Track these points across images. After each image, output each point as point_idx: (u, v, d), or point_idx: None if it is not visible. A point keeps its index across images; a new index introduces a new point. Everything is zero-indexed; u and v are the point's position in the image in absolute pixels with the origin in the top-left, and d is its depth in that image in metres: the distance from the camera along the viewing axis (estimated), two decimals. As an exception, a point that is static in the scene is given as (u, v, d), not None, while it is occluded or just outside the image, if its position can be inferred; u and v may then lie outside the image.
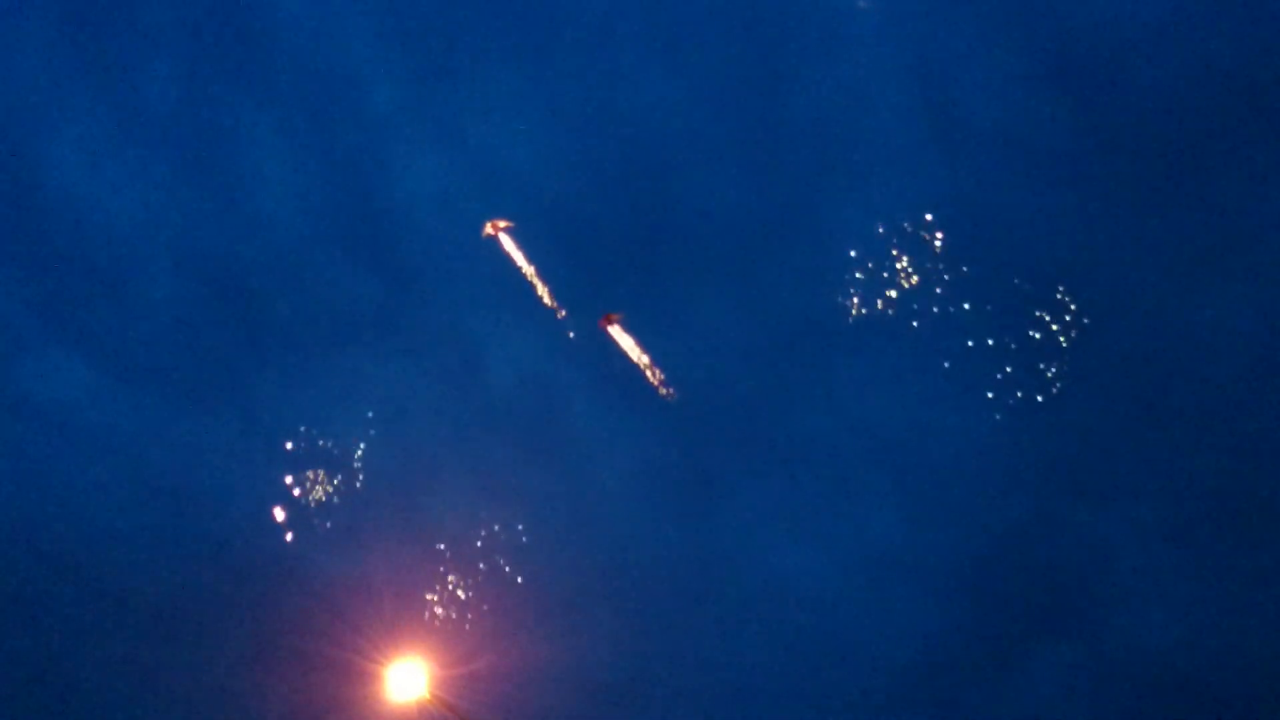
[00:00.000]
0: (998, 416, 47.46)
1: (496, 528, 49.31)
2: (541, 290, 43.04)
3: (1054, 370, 46.90)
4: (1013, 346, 47.30)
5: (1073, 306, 46.39)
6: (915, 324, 47.86)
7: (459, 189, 46.08)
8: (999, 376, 47.42)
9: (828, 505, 49.85)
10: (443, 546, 49.06)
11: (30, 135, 45.14)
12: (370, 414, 49.30)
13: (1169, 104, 43.07)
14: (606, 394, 49.13)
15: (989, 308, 47.19)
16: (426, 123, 45.75)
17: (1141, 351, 46.17)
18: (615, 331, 44.19)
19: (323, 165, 46.67)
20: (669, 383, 48.77)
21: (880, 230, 47.23)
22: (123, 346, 47.48)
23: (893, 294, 47.83)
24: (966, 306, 47.25)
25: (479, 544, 49.25)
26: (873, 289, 47.85)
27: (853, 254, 47.41)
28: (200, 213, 46.94)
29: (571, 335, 46.63)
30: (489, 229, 42.59)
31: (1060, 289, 46.28)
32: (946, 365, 47.66)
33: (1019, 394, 47.28)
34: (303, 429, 48.94)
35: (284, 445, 48.81)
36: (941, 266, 47.31)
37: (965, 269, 47.10)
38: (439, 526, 49.11)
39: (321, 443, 49.21)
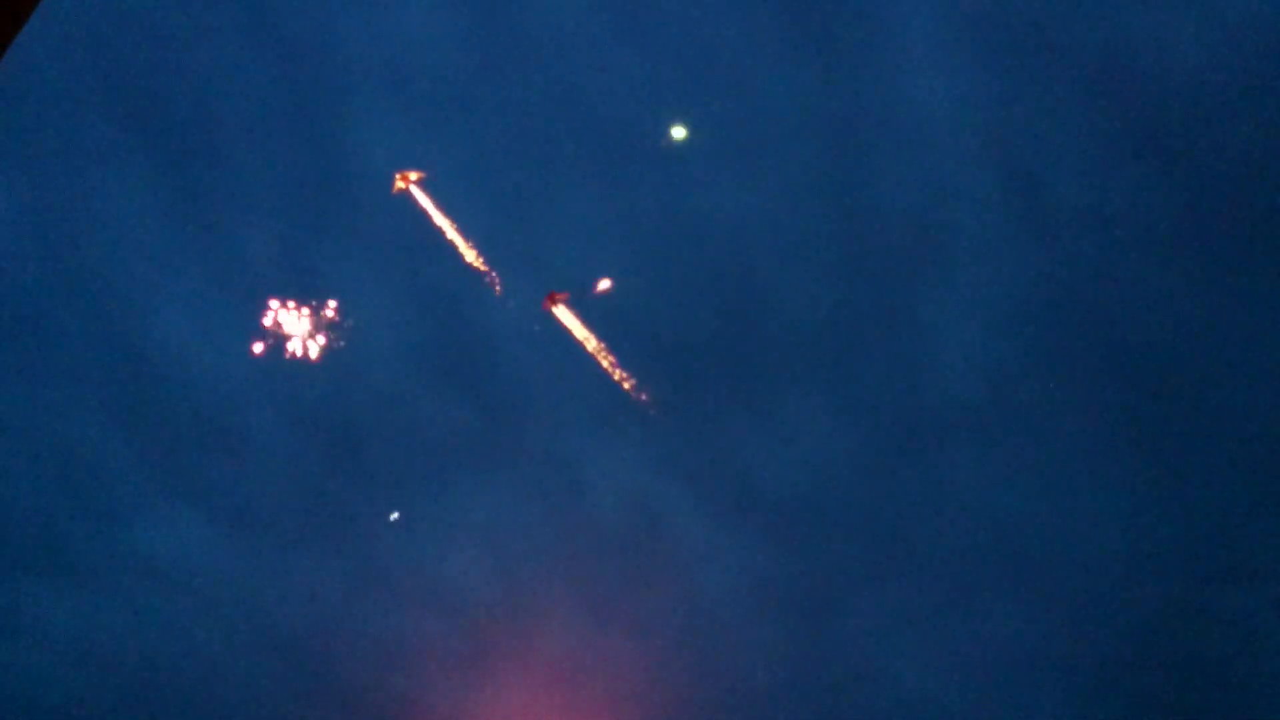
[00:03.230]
0: (1122, 501, 45.42)
1: (607, 649, 48.41)
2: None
3: (1176, 448, 44.88)
4: (1130, 427, 45.48)
5: (1188, 381, 44.56)
6: (1025, 412, 46.44)
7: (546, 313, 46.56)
8: (1119, 459, 45.53)
9: (950, 608, 47.94)
10: (555, 671, 48.29)
11: (137, 303, 47.04)
12: (477, 542, 49.30)
13: (1262, 170, 41.75)
14: (710, 507, 48.39)
15: (1100, 390, 45.60)
16: (511, 251, 46.46)
17: (1267, 422, 43.96)
18: (560, 312, 41.42)
19: (415, 303, 47.66)
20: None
21: (978, 320, 46.30)
22: (235, 498, 48.45)
23: (998, 383, 46.60)
24: (1076, 390, 45.76)
25: (590, 666, 48.37)
26: (977, 379, 46.70)
27: (952, 346, 46.47)
28: (303, 360, 48.10)
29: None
30: (399, 183, 39.43)
31: (1172, 364, 44.57)
32: (1062, 452, 45.97)
33: (1142, 476, 45.26)
34: (412, 564, 49.09)
35: (395, 581, 48.96)
36: (1046, 351, 46.04)
37: (1071, 351, 45.73)
38: (550, 651, 48.43)
39: (431, 575, 49.25)
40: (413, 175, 39.87)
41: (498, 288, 40.88)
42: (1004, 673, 47.54)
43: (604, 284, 40.82)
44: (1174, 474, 44.95)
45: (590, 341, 41.32)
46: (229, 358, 48.17)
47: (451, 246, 40.27)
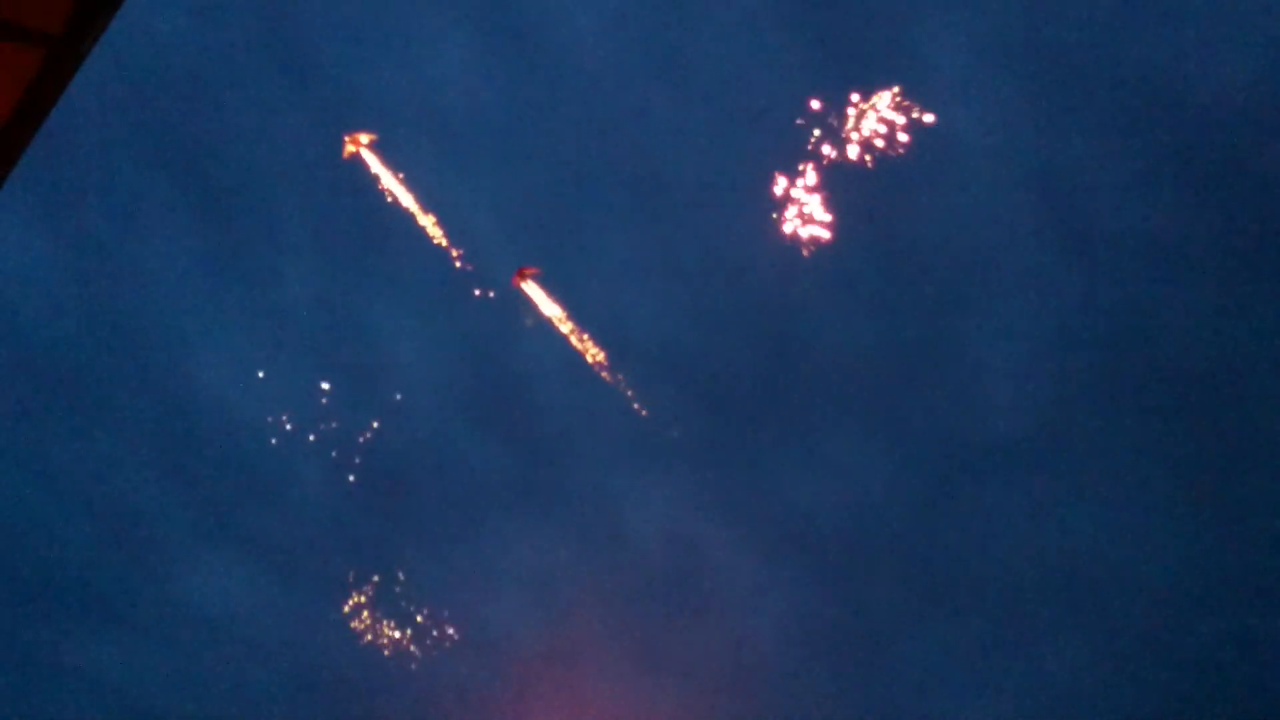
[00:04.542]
0: (1176, 530, 44.44)
1: (650, 690, 47.82)
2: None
3: (1231, 474, 43.91)
4: (1181, 455, 44.60)
5: (1239, 406, 43.67)
6: (1074, 442, 45.69)
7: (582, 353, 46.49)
8: (1171, 488, 44.61)
9: (1002, 644, 46.93)
10: (599, 714, 47.75)
11: (181, 351, 47.43)
12: (518, 585, 49.02)
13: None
14: (754, 545, 47.84)
15: (1150, 417, 44.78)
16: (551, 295, 46.56)
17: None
18: (529, 288, 39.67)
19: (453, 347, 47.72)
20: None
21: (1023, 349, 45.70)
22: (277, 544, 48.48)
23: (1045, 413, 45.92)
24: (1125, 419, 44.97)
25: (634, 708, 47.76)
26: (1023, 410, 46.03)
27: (997, 376, 45.87)
28: (342, 407, 48.26)
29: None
30: (349, 146, 36.76)
31: (1222, 389, 43.72)
32: (1113, 482, 45.11)
33: (1196, 504, 44.29)
34: (455, 608, 48.86)
35: (438, 627, 48.73)
36: (1093, 379, 45.33)
37: (1119, 379, 45.01)
38: (593, 693, 47.92)
39: (474, 619, 48.99)
40: (363, 138, 37.65)
41: (460, 263, 39.65)
42: (1059, 709, 46.46)
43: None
44: (1229, 501, 43.94)
45: (561, 319, 40.63)
46: (270, 405, 48.46)
47: (407, 215, 38.70)
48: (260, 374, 47.66)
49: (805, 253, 42.19)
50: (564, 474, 48.19)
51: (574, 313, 43.19)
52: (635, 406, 42.26)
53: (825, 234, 43.58)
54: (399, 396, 47.17)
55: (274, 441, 48.25)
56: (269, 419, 48.24)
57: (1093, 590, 45.90)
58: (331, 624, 48.16)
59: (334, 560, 48.28)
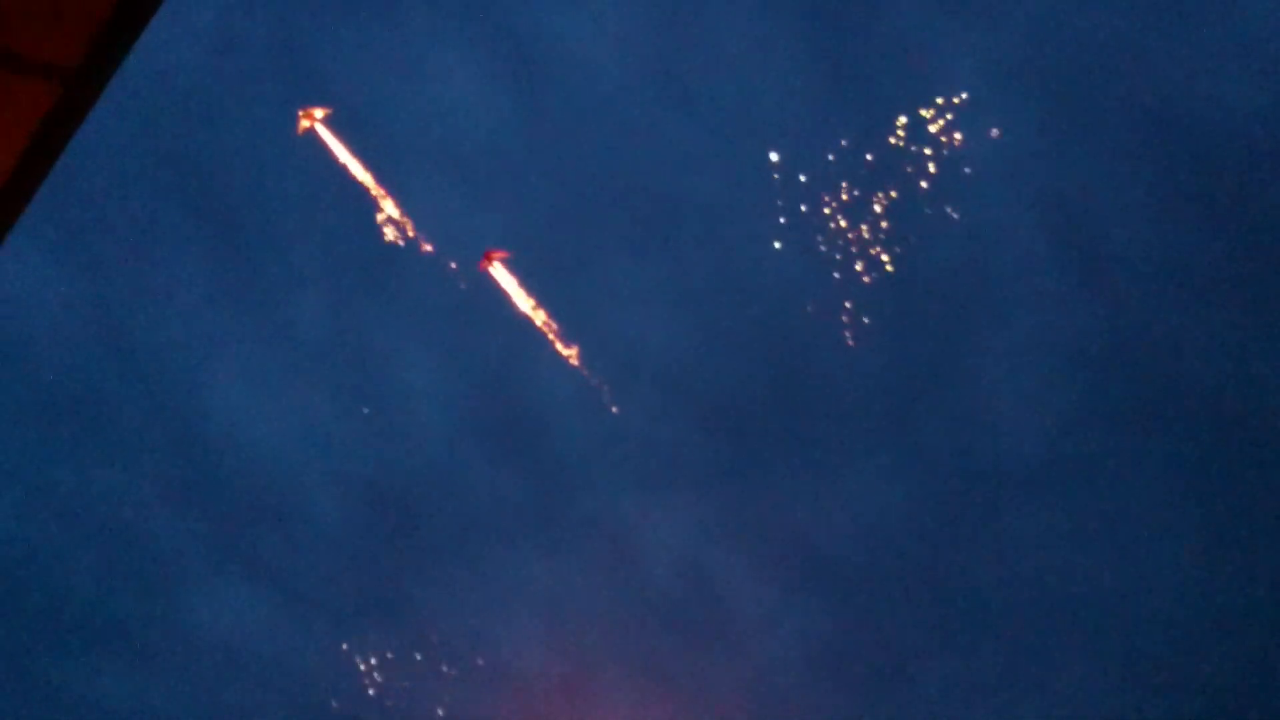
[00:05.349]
0: (1197, 556, 44.06)
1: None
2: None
3: (1250, 499, 43.62)
4: (1199, 479, 44.28)
5: (1255, 431, 43.38)
6: (1088, 466, 45.41)
7: (596, 379, 46.42)
8: (1190, 513, 44.28)
9: (1020, 672, 46.50)
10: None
11: (192, 378, 47.38)
12: (529, 613, 48.77)
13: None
14: (767, 571, 47.54)
15: (1165, 441, 44.49)
16: (560, 320, 46.58)
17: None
18: (497, 271, 39.30)
19: (466, 373, 47.64)
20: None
21: (1036, 372, 45.50)
22: (288, 573, 48.28)
23: (1059, 437, 45.66)
24: (1140, 443, 44.69)
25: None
26: (1037, 434, 45.76)
27: (1009, 400, 45.64)
28: (355, 434, 48.16)
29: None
30: (304, 121, 36.01)
31: (1238, 413, 43.44)
32: (1130, 507, 44.79)
33: (1216, 530, 43.96)
34: (466, 637, 48.65)
35: (448, 655, 48.51)
36: (1107, 403, 45.10)
37: (1133, 403, 44.76)
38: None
39: (485, 649, 48.76)
40: (318, 113, 37.00)
41: (425, 245, 39.01)
42: (1079, 738, 46.02)
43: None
44: (1249, 527, 43.59)
45: (530, 307, 40.32)
46: (282, 432, 48.38)
47: (367, 195, 38.18)
48: (272, 401, 47.64)
49: (817, 271, 42.26)
50: (576, 500, 48.02)
51: (584, 341, 43.19)
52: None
53: (839, 257, 43.59)
54: (412, 423, 47.07)
55: (286, 468, 48.21)
56: (281, 446, 48.21)
57: (1111, 617, 45.51)
58: (343, 654, 47.95)
59: (346, 589, 48.12)
